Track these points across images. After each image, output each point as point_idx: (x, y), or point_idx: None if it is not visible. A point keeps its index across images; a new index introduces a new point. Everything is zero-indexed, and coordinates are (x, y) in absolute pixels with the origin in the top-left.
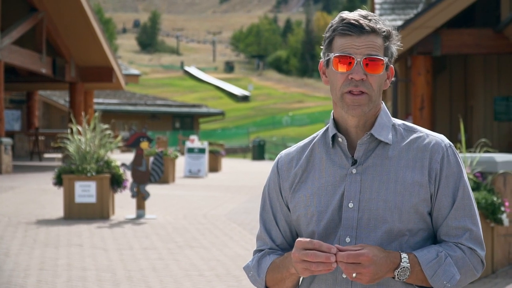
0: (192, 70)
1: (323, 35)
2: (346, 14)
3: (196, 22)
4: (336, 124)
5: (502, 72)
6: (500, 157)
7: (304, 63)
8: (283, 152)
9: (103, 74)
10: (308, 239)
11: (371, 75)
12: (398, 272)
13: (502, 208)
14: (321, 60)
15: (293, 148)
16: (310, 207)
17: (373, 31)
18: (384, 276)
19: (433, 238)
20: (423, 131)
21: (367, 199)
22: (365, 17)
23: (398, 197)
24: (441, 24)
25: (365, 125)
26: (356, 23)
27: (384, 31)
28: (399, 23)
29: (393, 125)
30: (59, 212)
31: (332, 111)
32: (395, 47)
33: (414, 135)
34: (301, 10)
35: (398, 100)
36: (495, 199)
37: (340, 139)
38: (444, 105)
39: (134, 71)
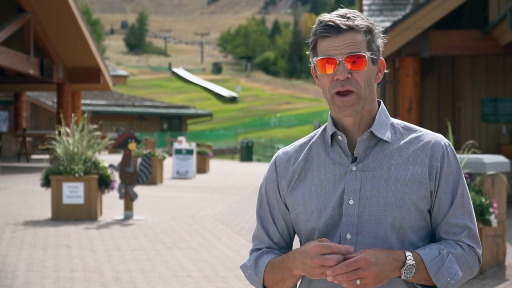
0: (180, 71)
1: (306, 41)
2: (323, 16)
3: (184, 23)
4: (334, 123)
5: (490, 73)
6: (488, 158)
7: (292, 64)
8: (281, 150)
9: (90, 75)
10: (324, 244)
11: (356, 72)
12: (405, 270)
13: (491, 209)
14: (311, 65)
15: (291, 146)
16: (309, 205)
17: (351, 28)
18: (390, 276)
19: (432, 236)
20: (422, 130)
21: (368, 196)
22: (342, 16)
23: (398, 194)
24: (429, 26)
25: (361, 123)
26: (333, 23)
27: (363, 27)
28: (387, 24)
29: (392, 124)
30: (47, 213)
31: (329, 111)
32: (380, 40)
33: (414, 134)
34: (289, 11)
35: (386, 101)
36: (483, 200)
37: (340, 137)
38: (432, 106)
39: (121, 72)
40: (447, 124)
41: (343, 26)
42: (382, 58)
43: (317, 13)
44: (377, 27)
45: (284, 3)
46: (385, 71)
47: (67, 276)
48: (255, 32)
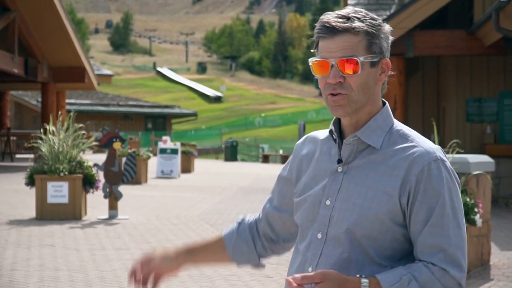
0: (165, 70)
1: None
2: (324, 15)
3: (169, 23)
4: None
5: (474, 73)
6: (473, 158)
7: (277, 64)
8: (312, 133)
9: (75, 75)
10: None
11: (349, 76)
12: None
13: (476, 209)
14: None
15: (318, 133)
16: (300, 196)
17: (347, 30)
18: None
19: (407, 251)
20: (417, 140)
21: (342, 199)
22: (342, 17)
23: (366, 203)
24: (414, 26)
25: (357, 124)
26: (328, 25)
27: (359, 29)
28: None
29: (391, 129)
30: (31, 213)
31: None
32: (385, 40)
33: (405, 144)
34: (273, 11)
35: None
36: (468, 200)
37: (334, 136)
38: (417, 106)
39: (106, 71)
40: (432, 124)
41: (339, 28)
42: (387, 59)
43: (302, 13)
44: (381, 27)
45: (269, 3)
46: (391, 72)
47: (51, 276)
48: (240, 32)
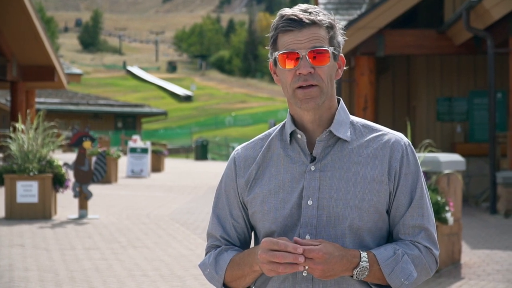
0: (135, 70)
1: (266, 35)
2: (285, 11)
3: (139, 21)
4: (293, 121)
5: (444, 72)
6: (444, 157)
7: (247, 63)
8: (240, 147)
9: (45, 73)
10: (274, 240)
11: (318, 67)
12: (357, 271)
13: (447, 208)
14: (270, 61)
15: (251, 143)
16: (266, 204)
17: (314, 23)
18: (339, 274)
19: (387, 237)
20: (382, 129)
21: (327, 196)
22: (304, 11)
23: (358, 195)
24: (384, 25)
25: (321, 120)
26: (296, 17)
27: (325, 22)
28: (343, 23)
29: (352, 122)
30: (0, 212)
31: (288, 109)
32: (341, 36)
33: (374, 133)
34: (244, 10)
35: (341, 100)
36: (439, 198)
37: (299, 136)
38: (387, 105)
39: (76, 70)
40: (404, 123)
41: (306, 20)
42: (342, 55)
43: (272, 13)
44: (338, 24)
45: (239, 2)
46: (344, 68)
47: (21, 276)
48: (210, 31)
